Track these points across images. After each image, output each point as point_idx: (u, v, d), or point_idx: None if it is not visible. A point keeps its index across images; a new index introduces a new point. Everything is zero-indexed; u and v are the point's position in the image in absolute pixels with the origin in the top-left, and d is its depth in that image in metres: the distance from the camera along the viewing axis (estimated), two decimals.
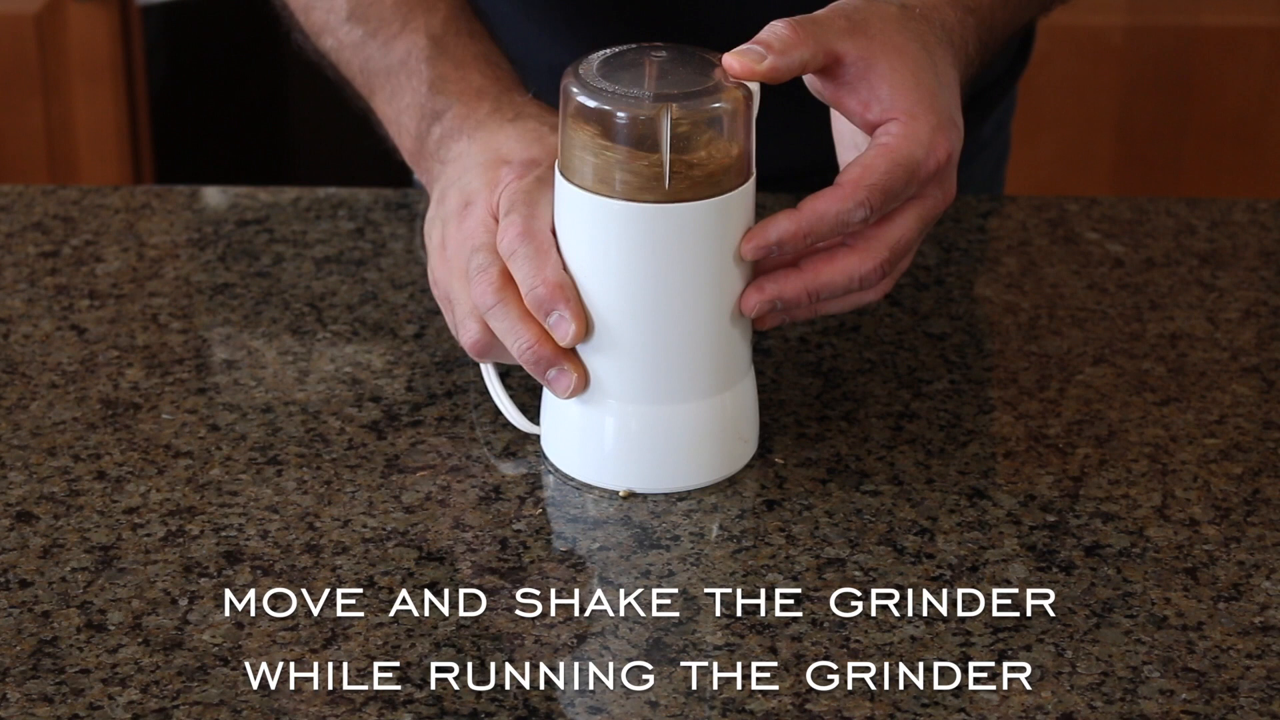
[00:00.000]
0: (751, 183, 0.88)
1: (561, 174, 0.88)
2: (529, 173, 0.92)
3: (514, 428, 0.96)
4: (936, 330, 1.06)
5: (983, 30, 0.95)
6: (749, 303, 0.89)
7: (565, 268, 0.89)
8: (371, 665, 0.81)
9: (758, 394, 0.94)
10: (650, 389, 0.90)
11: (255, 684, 0.80)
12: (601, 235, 0.87)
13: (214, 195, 1.21)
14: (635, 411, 0.90)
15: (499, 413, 0.97)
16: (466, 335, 0.91)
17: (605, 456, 0.91)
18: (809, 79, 0.88)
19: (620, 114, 0.85)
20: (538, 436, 0.95)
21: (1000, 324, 1.08)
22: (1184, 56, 2.21)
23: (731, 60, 0.85)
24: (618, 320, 0.88)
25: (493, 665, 0.81)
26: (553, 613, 0.84)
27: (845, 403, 1.00)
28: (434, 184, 0.97)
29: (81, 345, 1.03)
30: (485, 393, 0.97)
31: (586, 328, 0.89)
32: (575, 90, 0.86)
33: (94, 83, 2.13)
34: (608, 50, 0.89)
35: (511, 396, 0.95)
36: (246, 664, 0.81)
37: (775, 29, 0.86)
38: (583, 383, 0.90)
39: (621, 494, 0.92)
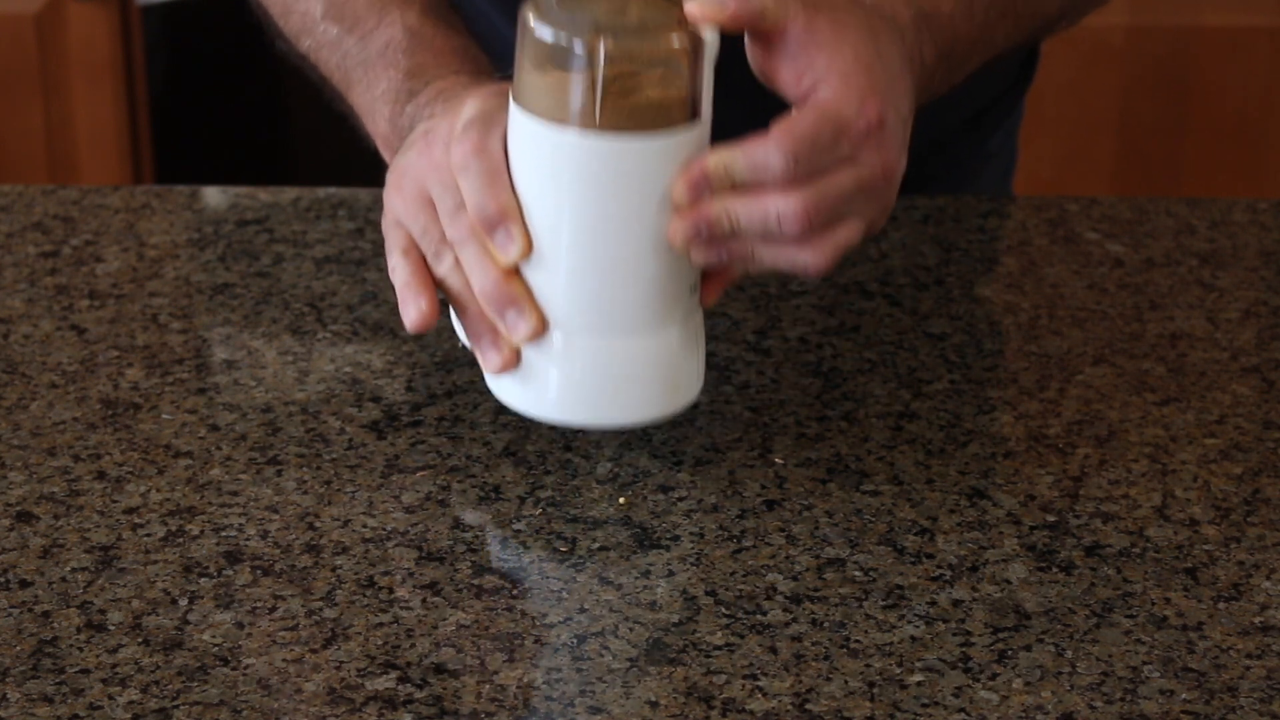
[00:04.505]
0: (699, 130, 0.87)
1: (512, 98, 0.88)
2: (492, 100, 0.91)
3: (514, 427, 0.96)
4: (936, 330, 1.06)
5: (941, 37, 0.95)
6: (672, 230, 0.87)
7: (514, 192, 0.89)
8: (371, 665, 0.81)
9: (702, 348, 0.93)
10: (575, 318, 0.89)
11: (255, 684, 0.80)
12: (540, 162, 0.87)
13: (214, 195, 1.21)
14: (560, 339, 0.89)
15: (499, 412, 0.97)
16: (400, 272, 0.91)
17: (529, 382, 0.91)
18: (750, 49, 0.88)
19: (560, 43, 0.85)
20: (538, 436, 0.95)
21: (1000, 324, 1.08)
22: (1184, 56, 2.21)
23: (692, 8, 0.86)
24: (551, 248, 0.88)
25: (493, 665, 0.81)
26: (553, 613, 0.84)
27: (845, 403, 1.00)
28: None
29: (81, 345, 1.03)
30: (485, 392, 0.97)
31: (528, 250, 0.88)
32: (527, 15, 0.86)
33: (94, 83, 2.13)
34: None
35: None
36: (246, 664, 0.81)
37: None
38: (541, 327, 0.89)
39: (621, 500, 0.92)
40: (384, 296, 1.08)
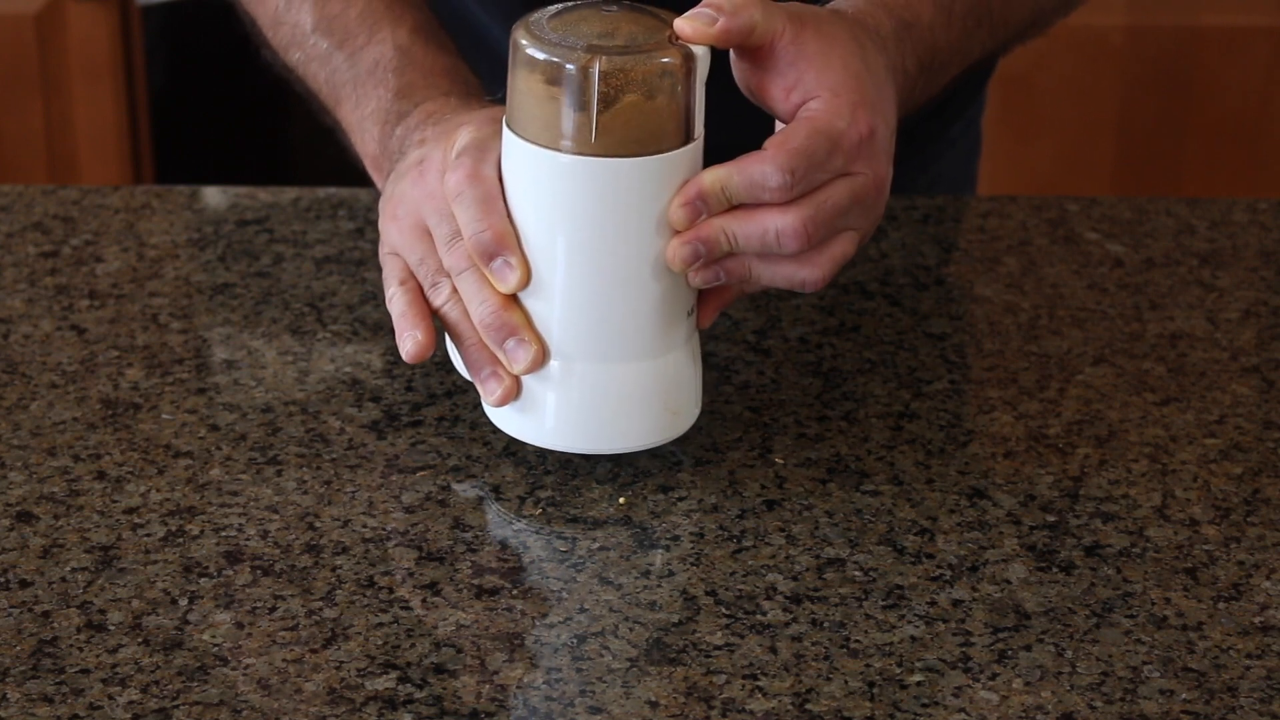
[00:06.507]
0: (693, 149, 0.87)
1: (506, 124, 0.88)
2: (485, 128, 0.92)
3: None
4: (936, 330, 1.06)
5: (922, 48, 0.95)
6: (671, 251, 0.87)
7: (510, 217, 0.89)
8: (371, 665, 0.81)
9: (699, 371, 0.93)
10: (574, 346, 0.89)
11: (255, 684, 0.80)
12: (535, 186, 0.88)
13: (214, 195, 1.21)
14: (559, 367, 0.90)
15: None
16: (399, 302, 0.91)
17: (528, 410, 0.91)
18: (736, 67, 0.88)
19: (554, 62, 0.85)
20: None
21: (1000, 324, 1.08)
22: (1184, 56, 2.21)
23: (683, 24, 0.86)
24: (549, 274, 0.88)
25: (493, 665, 0.81)
26: (553, 613, 0.84)
27: (845, 403, 1.00)
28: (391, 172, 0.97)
29: (81, 345, 1.03)
30: None
31: (527, 277, 0.88)
32: (519, 37, 0.87)
33: (94, 83, 2.13)
34: (564, 4, 0.89)
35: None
36: (246, 664, 0.81)
37: None
38: (541, 356, 0.89)
39: (621, 500, 0.92)
40: (384, 297, 1.08)
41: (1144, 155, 2.26)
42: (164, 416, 0.98)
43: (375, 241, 1.13)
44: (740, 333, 1.05)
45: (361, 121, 1.01)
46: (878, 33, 0.92)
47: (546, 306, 0.89)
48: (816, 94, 0.87)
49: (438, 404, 0.99)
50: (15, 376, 1.01)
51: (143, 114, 2.19)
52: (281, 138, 2.35)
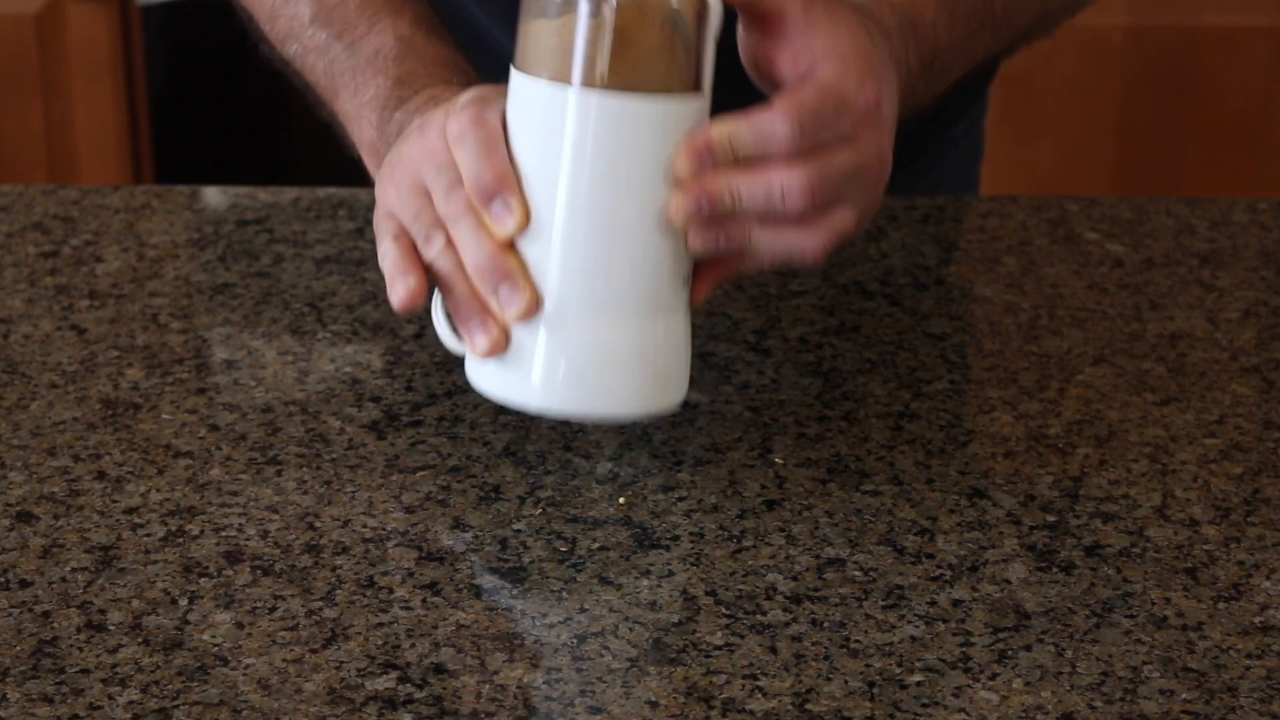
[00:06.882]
0: (701, 101, 0.87)
1: (513, 68, 0.88)
2: (489, 88, 0.91)
3: (514, 427, 0.96)
4: (936, 330, 1.07)
5: (924, 46, 0.96)
6: (673, 205, 0.86)
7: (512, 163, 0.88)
8: (371, 665, 0.81)
9: (689, 348, 0.92)
10: (569, 294, 0.87)
11: (255, 684, 0.80)
12: (542, 124, 0.87)
13: (214, 195, 1.21)
14: (551, 317, 0.88)
15: (499, 412, 0.97)
16: (391, 260, 0.90)
17: (512, 368, 0.89)
18: (743, 40, 0.88)
19: None
20: (538, 436, 0.95)
21: (1000, 324, 1.08)
22: (1184, 56, 2.22)
23: None
24: (548, 218, 0.87)
25: (493, 665, 0.81)
26: (553, 613, 0.84)
27: (845, 403, 1.00)
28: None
29: (81, 345, 1.03)
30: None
31: (525, 220, 0.87)
32: None
33: (94, 83, 2.13)
34: None
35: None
36: (246, 664, 0.81)
37: None
38: (534, 305, 0.88)
39: (621, 500, 0.92)
40: (384, 296, 1.08)
41: (1144, 155, 2.26)
42: (164, 416, 0.98)
43: (375, 241, 1.13)
44: (740, 333, 1.06)
45: (360, 109, 1.00)
46: (882, 24, 0.92)
47: (541, 253, 0.87)
48: (825, 60, 0.87)
49: (438, 404, 0.99)
50: (15, 376, 1.01)
51: (143, 114, 2.20)
52: (281, 138, 2.35)
